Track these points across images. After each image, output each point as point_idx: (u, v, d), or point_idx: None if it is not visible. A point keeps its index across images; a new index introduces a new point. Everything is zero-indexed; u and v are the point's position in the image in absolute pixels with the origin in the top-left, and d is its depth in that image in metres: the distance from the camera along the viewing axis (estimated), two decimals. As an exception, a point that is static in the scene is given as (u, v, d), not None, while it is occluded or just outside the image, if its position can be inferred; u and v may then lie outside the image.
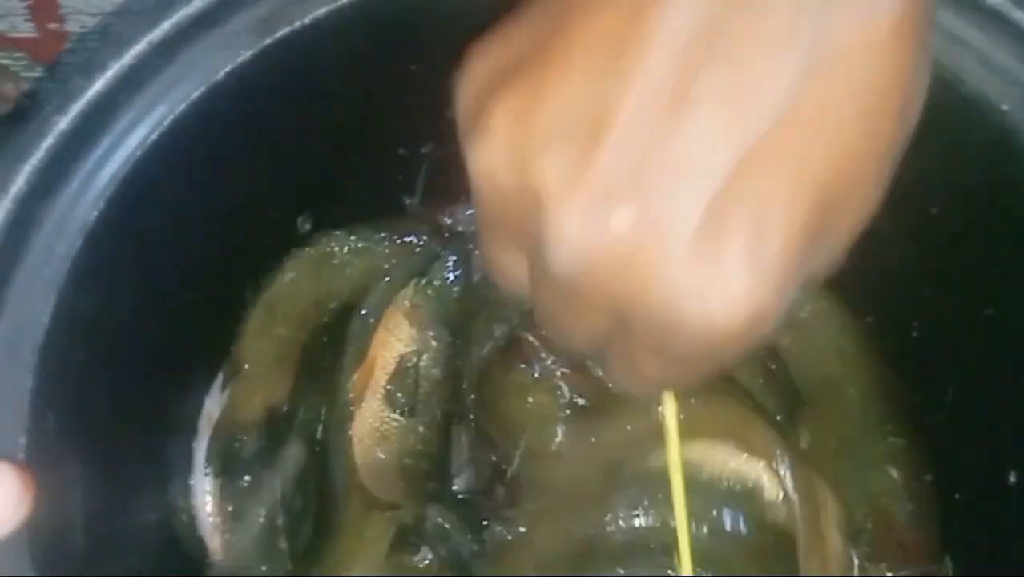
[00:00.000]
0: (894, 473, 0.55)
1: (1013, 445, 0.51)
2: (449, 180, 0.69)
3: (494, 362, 0.58)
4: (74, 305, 0.42)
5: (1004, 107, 0.46)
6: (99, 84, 0.44)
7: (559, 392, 0.53)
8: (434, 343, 0.60)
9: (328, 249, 0.62)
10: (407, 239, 0.64)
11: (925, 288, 0.57)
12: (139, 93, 0.46)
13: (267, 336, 0.60)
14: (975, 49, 0.47)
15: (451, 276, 0.66)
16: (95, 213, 0.44)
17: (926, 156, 0.54)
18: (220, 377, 0.59)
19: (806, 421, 0.59)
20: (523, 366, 0.56)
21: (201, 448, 0.57)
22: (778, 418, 0.58)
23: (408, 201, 0.69)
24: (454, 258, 0.67)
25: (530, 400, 0.54)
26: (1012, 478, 0.50)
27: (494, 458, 0.57)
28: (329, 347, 0.62)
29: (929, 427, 0.57)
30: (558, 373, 0.54)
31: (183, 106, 0.47)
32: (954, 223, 0.54)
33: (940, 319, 0.57)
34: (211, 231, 0.54)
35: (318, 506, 0.58)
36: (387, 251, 0.64)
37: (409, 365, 0.59)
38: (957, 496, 0.55)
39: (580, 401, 0.53)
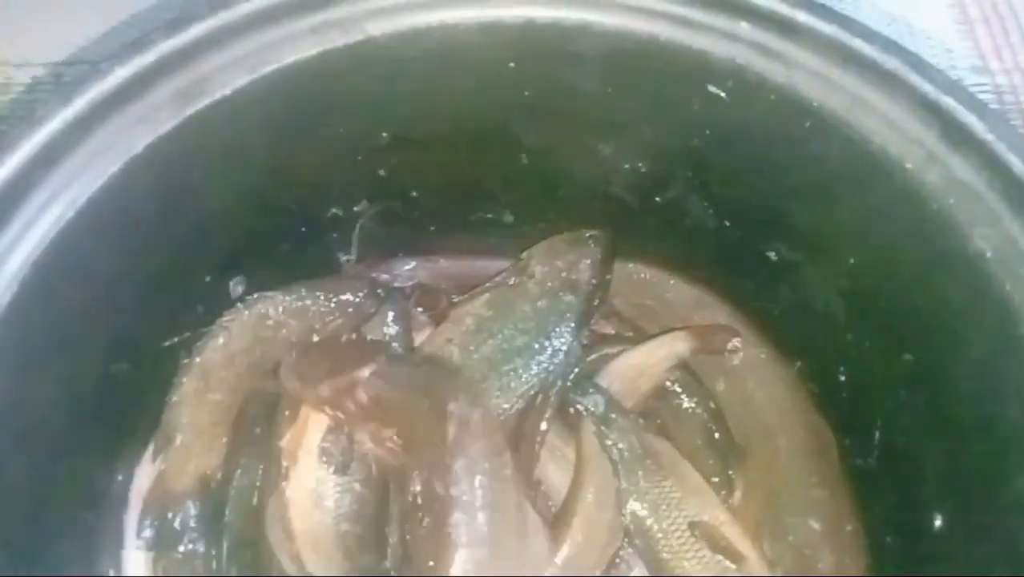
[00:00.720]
0: (815, 524, 0.56)
1: (938, 488, 0.53)
2: (384, 235, 0.71)
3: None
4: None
5: (908, 165, 0.48)
6: (10, 163, 0.44)
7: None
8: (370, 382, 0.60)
9: (263, 311, 0.62)
10: (343, 297, 0.64)
11: (848, 334, 0.58)
12: (54, 171, 0.46)
13: (201, 403, 0.60)
14: (879, 111, 0.49)
15: (391, 331, 0.67)
16: (8, 296, 0.43)
17: (842, 209, 0.56)
18: (151, 447, 0.58)
19: (741, 473, 0.60)
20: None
21: (132, 521, 0.57)
22: (715, 480, 0.59)
23: (344, 259, 0.70)
24: (392, 314, 0.68)
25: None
26: (938, 522, 0.52)
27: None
28: (264, 412, 0.62)
29: (857, 473, 0.59)
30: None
31: (101, 181, 0.47)
32: (870, 272, 0.55)
33: (864, 364, 0.58)
34: (139, 301, 0.54)
35: (255, 569, 0.57)
36: (323, 310, 0.63)
37: (340, 432, 0.59)
38: (888, 539, 0.56)
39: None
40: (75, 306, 0.48)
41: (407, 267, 0.71)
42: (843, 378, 0.60)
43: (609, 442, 0.58)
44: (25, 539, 0.45)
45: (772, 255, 0.61)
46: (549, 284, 0.65)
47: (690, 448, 0.61)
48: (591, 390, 0.60)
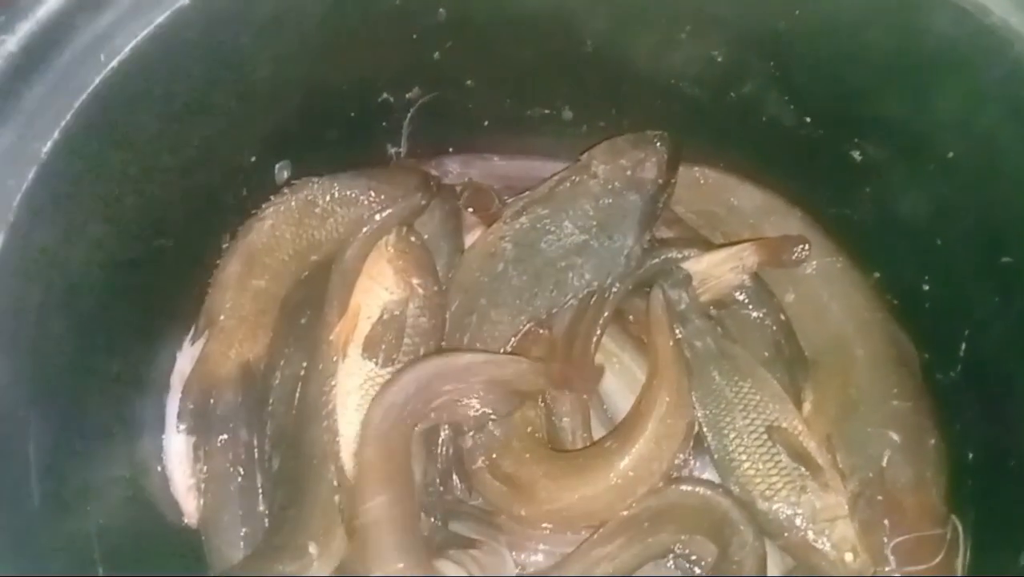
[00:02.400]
0: (895, 436, 0.53)
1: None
2: (435, 129, 0.67)
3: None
4: (27, 239, 0.39)
5: (1029, 34, 0.43)
6: (52, 1, 0.41)
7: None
8: (420, 291, 0.57)
9: (310, 197, 0.58)
10: (393, 189, 0.61)
11: (937, 239, 0.54)
12: (98, 15, 0.42)
13: (244, 288, 0.57)
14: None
15: (441, 229, 0.64)
16: (48, 144, 0.40)
17: (944, 95, 0.52)
18: (192, 331, 0.56)
19: (810, 385, 0.57)
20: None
21: (173, 405, 0.54)
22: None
23: (393, 150, 0.66)
24: (443, 211, 0.65)
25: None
26: (1028, 435, 0.48)
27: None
28: (309, 302, 0.59)
29: (938, 387, 0.55)
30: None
31: (147, 30, 0.43)
32: (968, 168, 0.51)
33: (952, 271, 0.54)
34: (181, 172, 0.51)
35: (295, 468, 0.55)
36: (372, 201, 0.60)
37: (396, 313, 0.56)
38: (970, 456, 0.53)
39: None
40: (115, 167, 0.45)
41: (458, 165, 0.67)
42: (927, 288, 0.56)
43: (685, 340, 0.56)
44: (62, 410, 0.43)
45: (856, 154, 0.57)
46: (612, 183, 0.61)
47: (757, 360, 0.58)
48: (677, 284, 0.57)
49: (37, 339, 0.40)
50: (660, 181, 0.61)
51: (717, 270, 0.61)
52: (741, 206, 0.64)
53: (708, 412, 0.55)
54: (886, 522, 0.50)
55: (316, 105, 0.57)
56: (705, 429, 0.54)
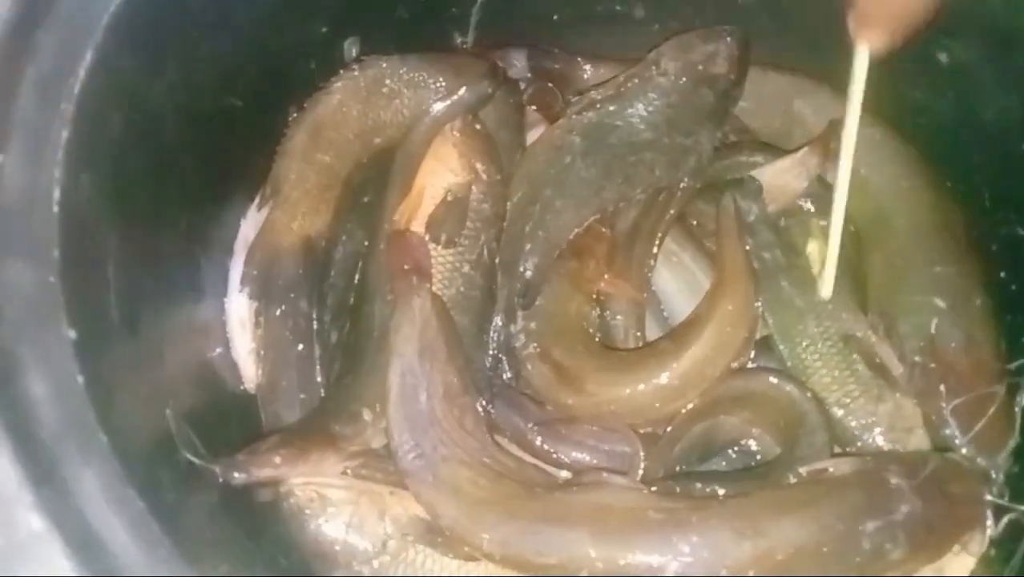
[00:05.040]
0: (941, 302, 0.52)
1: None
2: (504, 19, 0.66)
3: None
4: (111, 63, 0.39)
5: None
6: None
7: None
8: (484, 177, 0.57)
9: (378, 76, 0.57)
10: (461, 75, 0.60)
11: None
12: None
13: (309, 161, 0.56)
14: None
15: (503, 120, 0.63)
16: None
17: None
18: (258, 199, 0.56)
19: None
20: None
21: (236, 270, 0.54)
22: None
23: (460, 40, 0.65)
24: (511, 101, 0.64)
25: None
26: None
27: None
28: (372, 183, 0.59)
29: (981, 249, 0.54)
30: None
31: None
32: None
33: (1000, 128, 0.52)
34: (255, 34, 0.50)
35: (353, 340, 0.55)
36: (439, 85, 0.59)
37: (459, 196, 0.56)
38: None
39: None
40: (196, 14, 0.45)
41: (524, 58, 0.66)
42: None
43: (753, 252, 0.55)
44: (136, 238, 0.43)
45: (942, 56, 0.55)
46: (682, 79, 0.59)
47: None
48: (748, 195, 0.56)
49: (116, 168, 0.40)
50: (732, 76, 0.60)
51: (782, 179, 0.60)
52: (804, 111, 0.63)
53: (778, 320, 0.54)
54: (942, 388, 0.50)
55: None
56: (776, 338, 0.53)
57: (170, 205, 0.47)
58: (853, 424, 0.51)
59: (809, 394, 0.52)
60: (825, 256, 0.54)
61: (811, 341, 0.52)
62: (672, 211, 0.58)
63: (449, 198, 0.56)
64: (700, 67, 0.59)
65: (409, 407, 0.51)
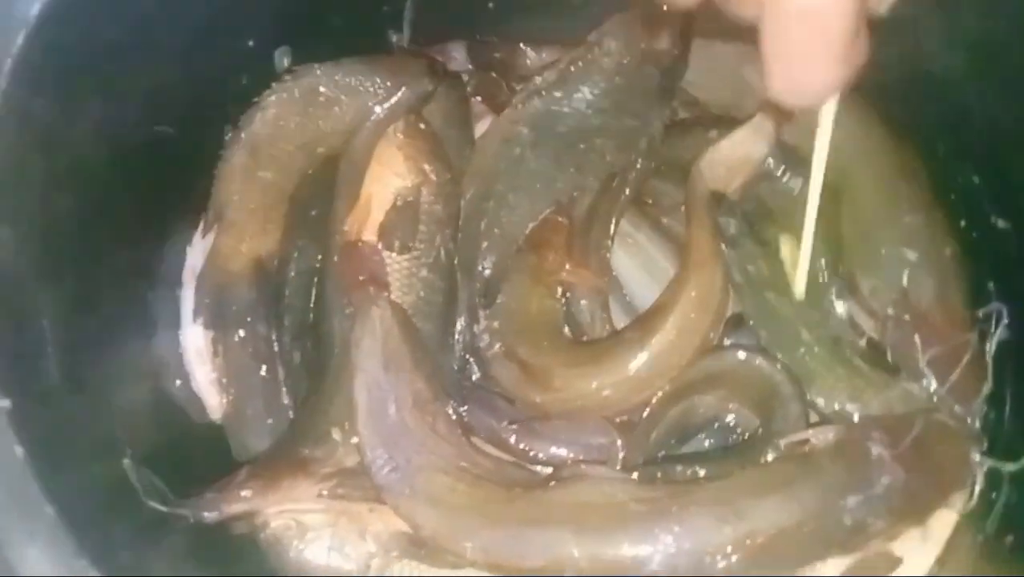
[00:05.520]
0: (910, 254, 0.52)
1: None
2: (438, 13, 0.65)
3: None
4: (25, 107, 0.37)
5: None
6: None
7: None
8: (433, 177, 0.55)
9: (313, 85, 0.56)
10: (399, 75, 0.58)
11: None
12: None
13: (251, 180, 0.55)
14: None
15: (448, 116, 0.61)
16: (37, 6, 0.38)
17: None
18: (202, 225, 0.54)
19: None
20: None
21: (188, 300, 0.53)
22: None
23: (395, 37, 0.63)
24: (454, 96, 0.62)
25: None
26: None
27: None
28: (319, 196, 0.57)
29: (949, 200, 0.53)
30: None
31: None
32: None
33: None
34: (180, 55, 0.48)
35: (316, 359, 0.54)
36: (378, 89, 0.57)
37: (409, 199, 0.54)
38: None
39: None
40: (113, 42, 0.43)
41: (463, 51, 0.65)
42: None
43: (737, 265, 0.54)
44: (72, 285, 0.41)
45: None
46: (625, 59, 0.58)
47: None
48: (725, 212, 0.55)
49: (43, 215, 0.38)
50: (675, 51, 0.59)
51: (741, 149, 0.59)
52: (753, 78, 0.62)
53: (771, 333, 0.53)
54: (917, 340, 0.50)
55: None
56: (773, 349, 0.53)
57: (107, 245, 0.45)
58: (870, 414, 0.51)
59: (779, 366, 0.51)
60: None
61: (807, 348, 0.52)
62: (626, 193, 0.57)
63: (399, 203, 0.54)
64: (642, 45, 0.58)
65: (379, 421, 0.51)
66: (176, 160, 0.51)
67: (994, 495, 0.47)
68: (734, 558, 0.44)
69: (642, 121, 0.58)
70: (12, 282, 0.35)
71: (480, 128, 0.62)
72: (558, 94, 0.58)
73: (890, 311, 0.51)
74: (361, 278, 0.53)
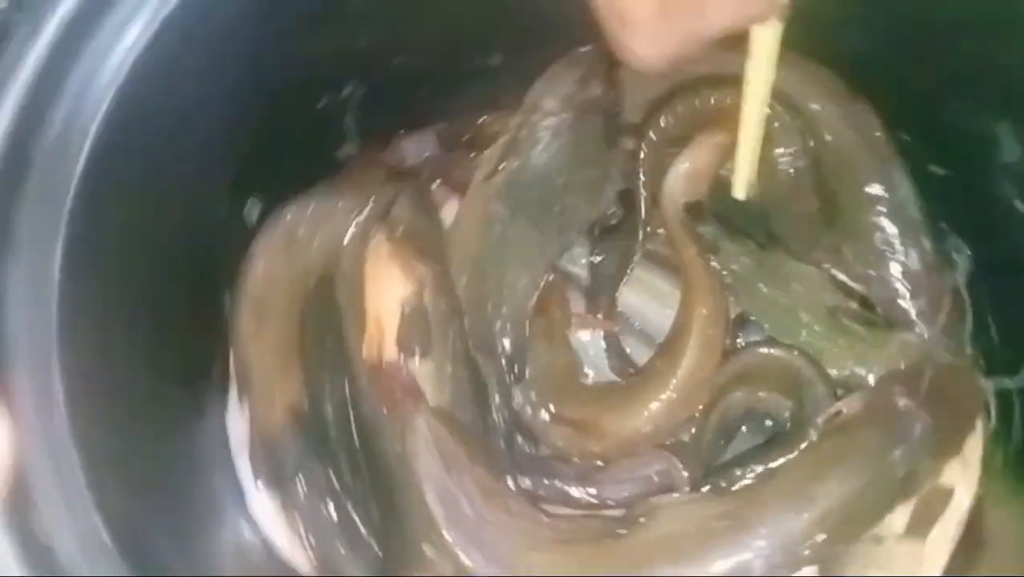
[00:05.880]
0: (885, 222, 0.57)
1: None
2: (380, 117, 0.66)
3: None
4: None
5: None
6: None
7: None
8: (430, 276, 0.57)
9: (291, 225, 0.58)
10: (363, 188, 0.60)
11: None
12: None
13: (261, 339, 0.56)
14: None
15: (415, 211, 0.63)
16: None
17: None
18: (234, 395, 0.55)
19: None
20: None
21: (245, 469, 0.54)
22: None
23: (346, 152, 0.65)
24: (414, 190, 0.64)
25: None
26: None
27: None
28: (325, 322, 0.59)
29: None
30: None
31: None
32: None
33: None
34: (164, 243, 0.50)
35: (378, 482, 0.55)
36: (348, 206, 0.59)
37: (414, 305, 0.56)
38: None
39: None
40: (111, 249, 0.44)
41: (413, 143, 0.67)
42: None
43: (723, 266, 0.58)
44: (145, 501, 0.42)
45: None
46: (566, 113, 0.61)
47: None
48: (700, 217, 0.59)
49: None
50: (610, 93, 0.62)
51: (700, 159, 0.61)
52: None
53: (772, 322, 0.57)
54: (903, 291, 0.55)
55: (264, 133, 0.56)
56: (777, 336, 0.57)
57: (150, 436, 0.46)
58: (879, 374, 0.55)
59: (796, 352, 0.56)
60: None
61: (807, 328, 0.56)
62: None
63: (407, 311, 0.56)
64: (577, 96, 0.62)
65: (460, 523, 0.53)
66: (188, 340, 0.52)
67: (1009, 410, 0.53)
68: (819, 539, 0.49)
69: (602, 168, 0.61)
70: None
71: (447, 211, 0.65)
72: (516, 164, 0.61)
73: (872, 272, 0.57)
74: (397, 396, 0.55)
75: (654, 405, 0.56)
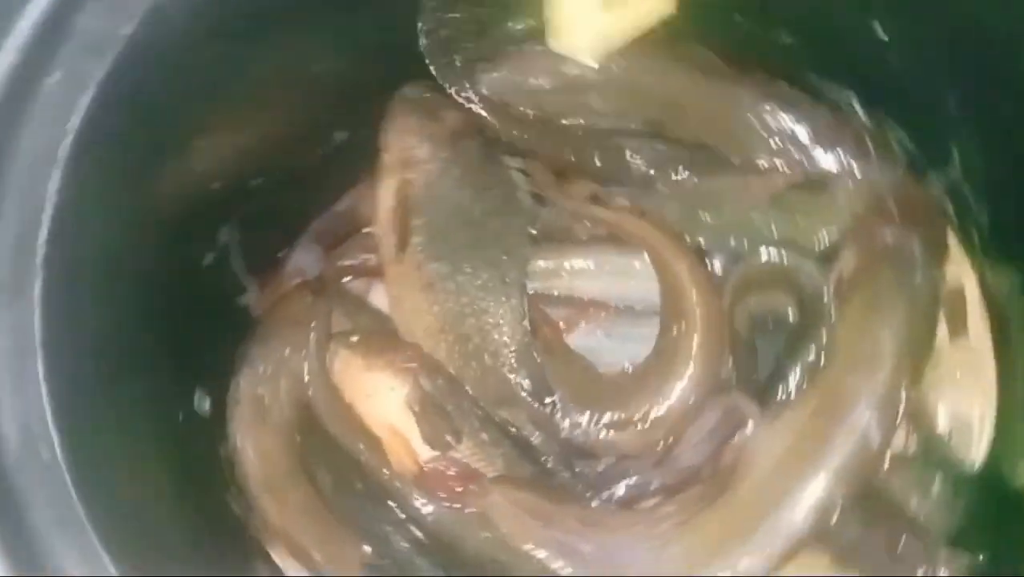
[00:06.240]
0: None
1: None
2: (261, 245, 0.60)
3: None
4: None
5: None
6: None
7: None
8: (412, 362, 0.54)
9: (250, 398, 0.53)
10: (293, 324, 0.56)
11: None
12: None
13: (288, 514, 0.51)
14: None
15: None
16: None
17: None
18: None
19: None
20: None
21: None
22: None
23: (245, 301, 0.59)
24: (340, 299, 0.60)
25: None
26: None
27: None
28: (339, 469, 0.53)
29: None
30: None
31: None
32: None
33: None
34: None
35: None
36: (293, 347, 0.55)
37: (419, 399, 0.52)
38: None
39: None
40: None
41: (301, 255, 0.62)
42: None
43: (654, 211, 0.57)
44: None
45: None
46: (434, 158, 0.58)
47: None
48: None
49: None
50: (463, 119, 0.59)
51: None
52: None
53: (736, 236, 0.57)
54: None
55: (177, 326, 0.49)
56: (751, 245, 0.57)
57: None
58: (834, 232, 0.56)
59: (771, 251, 0.56)
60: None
61: (764, 225, 0.57)
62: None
63: (416, 408, 0.52)
64: (431, 135, 0.58)
65: (589, 561, 0.50)
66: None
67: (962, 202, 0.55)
68: (904, 383, 0.49)
69: (502, 179, 0.59)
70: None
71: (376, 293, 0.61)
72: (419, 221, 0.57)
73: (791, 147, 0.58)
74: (459, 489, 0.50)
75: (688, 373, 0.54)
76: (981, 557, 0.49)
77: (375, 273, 0.61)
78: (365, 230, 0.63)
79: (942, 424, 0.53)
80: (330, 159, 0.62)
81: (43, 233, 0.36)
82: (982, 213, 0.54)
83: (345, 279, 0.62)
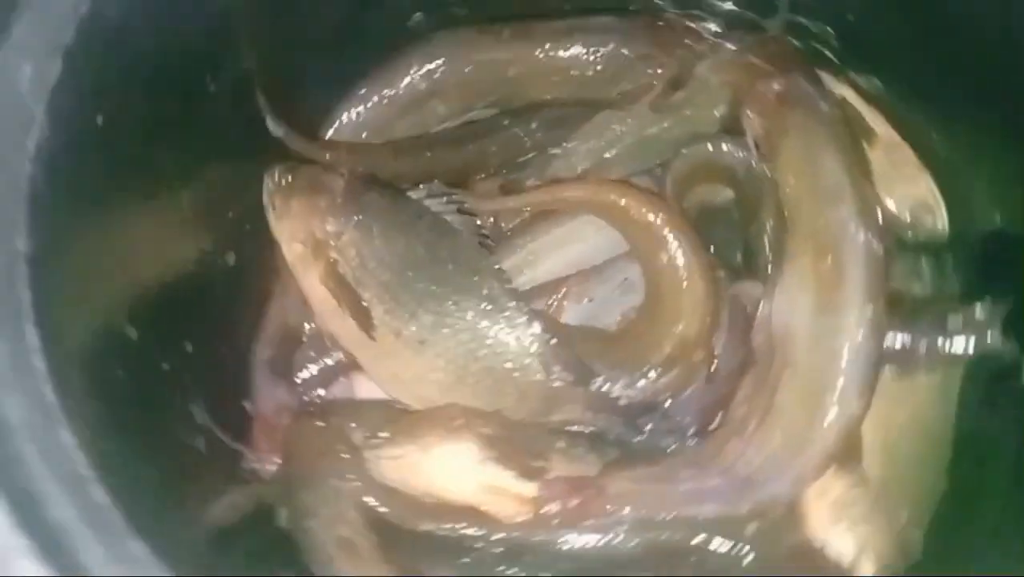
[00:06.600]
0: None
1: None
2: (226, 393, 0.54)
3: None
4: None
5: None
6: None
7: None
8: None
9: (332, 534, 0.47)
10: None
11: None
12: None
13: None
14: None
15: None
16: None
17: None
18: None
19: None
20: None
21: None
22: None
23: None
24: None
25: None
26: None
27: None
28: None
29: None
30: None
31: None
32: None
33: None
34: None
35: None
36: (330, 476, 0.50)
37: (490, 443, 0.50)
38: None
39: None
40: None
41: (262, 397, 0.56)
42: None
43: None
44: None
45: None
46: (345, 232, 0.54)
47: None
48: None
49: None
50: (347, 177, 0.56)
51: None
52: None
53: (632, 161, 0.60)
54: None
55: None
56: (643, 162, 0.60)
57: None
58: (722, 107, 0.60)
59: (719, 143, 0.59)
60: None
61: (656, 137, 0.60)
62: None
63: (494, 455, 0.49)
64: (343, 203, 0.55)
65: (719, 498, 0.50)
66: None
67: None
68: (872, 202, 0.53)
69: (424, 212, 0.56)
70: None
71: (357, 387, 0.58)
72: (368, 294, 0.54)
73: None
74: (576, 502, 0.48)
75: (700, 310, 0.55)
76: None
77: (347, 369, 0.58)
78: (305, 337, 0.59)
79: (902, 211, 0.58)
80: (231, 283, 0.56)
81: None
82: (826, 34, 0.60)
83: (320, 391, 0.57)
